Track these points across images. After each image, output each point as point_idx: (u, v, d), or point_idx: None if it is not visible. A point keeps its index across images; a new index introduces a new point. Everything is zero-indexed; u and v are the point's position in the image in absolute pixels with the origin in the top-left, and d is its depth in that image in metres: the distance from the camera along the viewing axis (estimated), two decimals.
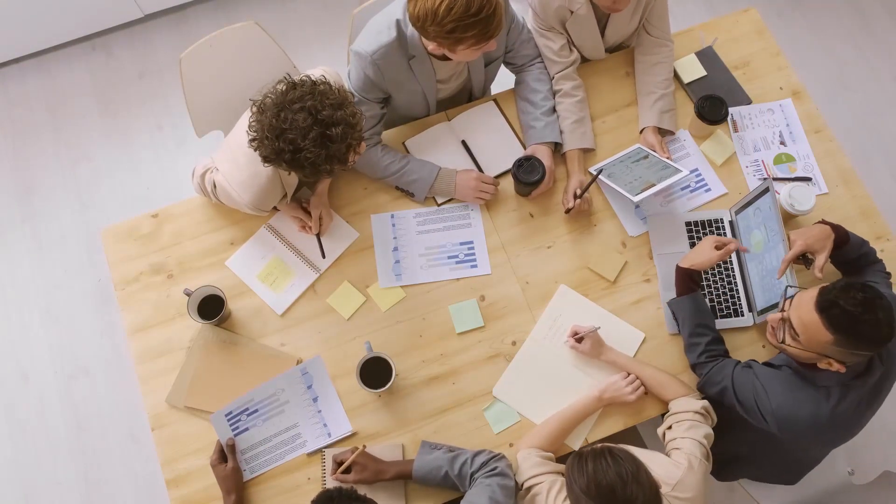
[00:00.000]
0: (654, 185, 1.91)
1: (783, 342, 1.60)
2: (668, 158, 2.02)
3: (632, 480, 1.37)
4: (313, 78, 1.65)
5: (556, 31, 2.05)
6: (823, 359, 1.56)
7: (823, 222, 1.81)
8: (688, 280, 1.85)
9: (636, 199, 1.88)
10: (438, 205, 2.07)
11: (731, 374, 1.73)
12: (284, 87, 1.62)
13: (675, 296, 1.90)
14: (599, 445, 1.46)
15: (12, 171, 3.02)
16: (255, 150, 1.64)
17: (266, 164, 1.66)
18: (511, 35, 2.03)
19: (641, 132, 2.12)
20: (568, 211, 2.00)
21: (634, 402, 1.85)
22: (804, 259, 1.80)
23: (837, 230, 1.78)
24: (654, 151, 2.05)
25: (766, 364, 1.76)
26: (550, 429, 1.80)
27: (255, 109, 1.64)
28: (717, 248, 1.85)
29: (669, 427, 1.74)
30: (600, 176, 1.98)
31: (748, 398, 1.69)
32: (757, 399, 1.67)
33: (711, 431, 1.72)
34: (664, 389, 1.82)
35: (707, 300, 1.95)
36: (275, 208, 2.00)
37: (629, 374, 1.85)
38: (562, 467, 1.71)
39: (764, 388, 1.66)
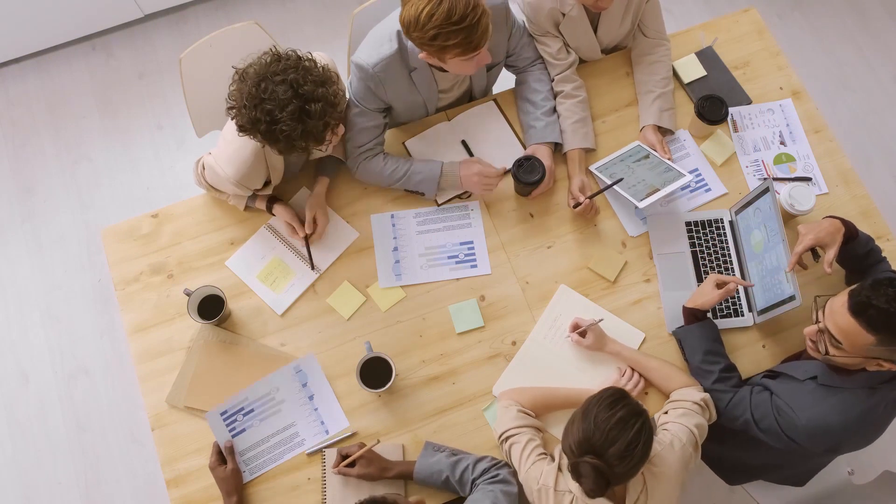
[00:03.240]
0: (657, 189, 1.92)
1: (827, 354, 1.56)
2: (669, 159, 2.03)
3: (630, 457, 1.39)
4: (299, 53, 1.64)
5: (552, 34, 2.05)
6: (871, 361, 1.53)
7: (832, 217, 1.79)
8: (693, 319, 1.86)
9: (641, 204, 1.88)
10: (438, 205, 2.07)
11: (749, 405, 1.71)
12: (268, 59, 1.61)
13: (679, 317, 1.91)
14: (642, 409, 1.45)
15: (12, 171, 3.02)
16: (233, 119, 1.64)
17: (241, 134, 1.65)
18: (512, 40, 2.03)
19: (641, 130, 2.12)
20: (577, 206, 1.98)
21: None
22: (812, 253, 1.79)
23: (847, 224, 1.77)
24: (655, 150, 2.05)
25: (774, 373, 1.75)
26: (536, 395, 1.82)
27: (236, 77, 1.63)
28: (719, 286, 1.85)
29: (666, 412, 1.75)
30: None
31: (771, 425, 1.67)
32: (780, 422, 1.65)
33: (705, 423, 1.71)
34: (669, 381, 1.82)
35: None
36: (273, 213, 2.00)
37: (626, 373, 1.86)
38: (540, 423, 1.78)
39: (789, 406, 1.64)
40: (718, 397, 1.77)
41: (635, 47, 2.16)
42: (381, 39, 1.85)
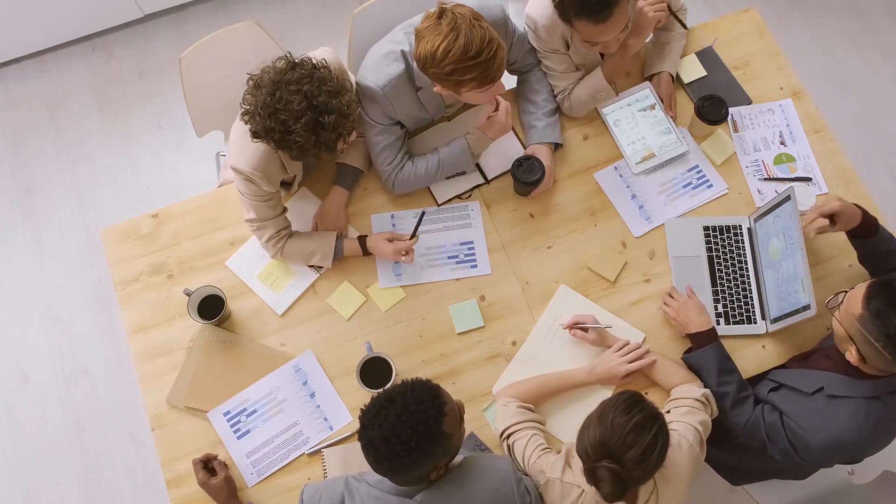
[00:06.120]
0: (654, 154, 1.96)
1: (831, 306, 1.62)
2: (672, 117, 2.09)
3: (647, 462, 1.39)
4: (314, 61, 1.65)
5: (560, 52, 2.02)
6: (849, 344, 1.55)
7: (858, 206, 1.78)
8: (704, 341, 1.84)
9: (636, 169, 1.91)
10: (439, 205, 2.07)
11: (762, 426, 1.72)
12: (283, 66, 1.62)
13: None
14: (658, 412, 1.46)
15: (12, 171, 3.02)
16: (246, 123, 1.66)
17: (254, 140, 1.67)
18: (514, 49, 2.02)
19: (653, 77, 2.14)
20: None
21: (629, 384, 1.83)
22: (830, 220, 1.77)
23: (867, 220, 1.77)
24: (662, 103, 2.10)
25: (778, 383, 1.75)
26: (530, 387, 1.82)
27: (251, 84, 1.65)
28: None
29: (668, 412, 1.75)
30: (606, 117, 2.07)
31: (785, 448, 1.68)
32: (794, 444, 1.66)
33: (709, 419, 1.71)
34: (669, 377, 1.82)
35: (721, 306, 1.94)
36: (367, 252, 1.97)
37: (622, 346, 1.84)
38: (540, 417, 1.78)
39: (801, 427, 1.64)
40: (735, 421, 1.77)
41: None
42: (387, 59, 1.83)
